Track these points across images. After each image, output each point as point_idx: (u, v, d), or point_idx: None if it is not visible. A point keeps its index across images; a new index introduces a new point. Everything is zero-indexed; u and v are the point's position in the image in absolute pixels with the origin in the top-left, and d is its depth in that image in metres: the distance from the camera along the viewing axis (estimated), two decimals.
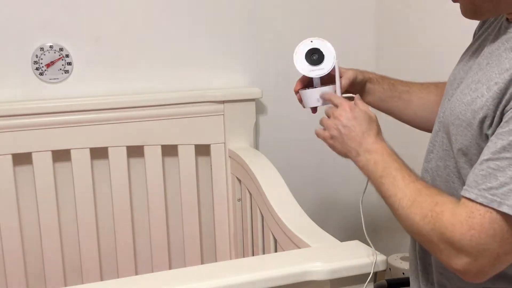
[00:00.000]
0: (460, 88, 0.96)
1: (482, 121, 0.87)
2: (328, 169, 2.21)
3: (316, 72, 1.14)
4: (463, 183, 0.92)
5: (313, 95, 1.14)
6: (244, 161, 1.80)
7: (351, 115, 1.04)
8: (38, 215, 1.86)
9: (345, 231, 2.15)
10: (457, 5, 0.95)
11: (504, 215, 0.79)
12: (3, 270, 1.85)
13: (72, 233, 1.92)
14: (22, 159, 1.84)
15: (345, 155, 1.05)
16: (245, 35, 2.04)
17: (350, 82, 1.16)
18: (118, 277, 1.93)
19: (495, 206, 0.79)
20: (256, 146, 2.10)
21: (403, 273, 1.93)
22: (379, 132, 1.03)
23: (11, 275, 1.86)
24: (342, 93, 1.13)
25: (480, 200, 0.81)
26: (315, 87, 1.15)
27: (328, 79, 1.15)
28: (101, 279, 1.94)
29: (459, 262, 0.83)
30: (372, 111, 1.10)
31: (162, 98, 1.91)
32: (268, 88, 2.04)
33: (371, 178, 0.98)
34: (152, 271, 1.90)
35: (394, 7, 2.09)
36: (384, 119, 1.25)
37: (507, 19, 0.94)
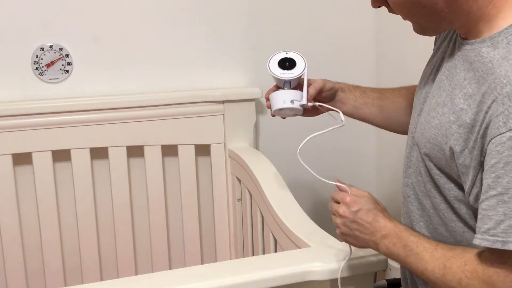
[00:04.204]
0: (426, 107, 0.98)
1: (452, 147, 0.88)
2: (328, 168, 2.20)
3: (286, 75, 1.21)
4: (444, 197, 0.95)
5: (280, 96, 1.22)
6: (244, 161, 1.80)
7: (356, 208, 1.01)
8: (38, 215, 1.87)
9: None
10: None
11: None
12: (3, 270, 1.85)
13: (72, 233, 1.92)
14: (22, 159, 1.84)
15: (364, 247, 1.04)
16: (245, 35, 2.04)
17: (317, 90, 1.22)
18: (118, 277, 1.93)
19: (498, 246, 0.79)
20: (256, 146, 2.09)
21: None
22: (384, 211, 1.02)
23: (11, 275, 1.86)
24: (309, 100, 1.20)
25: (484, 244, 0.81)
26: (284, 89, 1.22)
27: (298, 88, 1.22)
28: (101, 279, 1.94)
29: None
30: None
31: (162, 98, 1.91)
32: (268, 88, 2.03)
33: (398, 260, 0.97)
34: (152, 271, 1.89)
35: None
36: None
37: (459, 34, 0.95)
